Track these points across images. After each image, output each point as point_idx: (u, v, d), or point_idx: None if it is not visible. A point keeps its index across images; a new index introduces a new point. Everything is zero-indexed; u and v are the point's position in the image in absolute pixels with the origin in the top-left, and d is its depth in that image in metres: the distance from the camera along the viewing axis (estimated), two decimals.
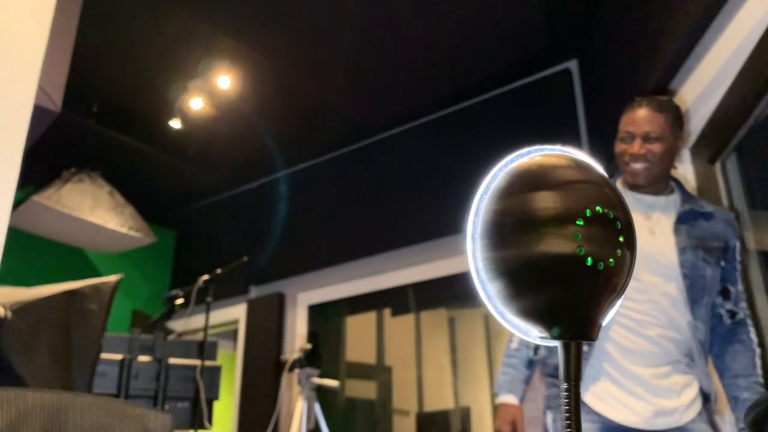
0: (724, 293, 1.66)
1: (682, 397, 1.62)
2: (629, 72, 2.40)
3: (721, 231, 1.68)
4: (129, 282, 4.45)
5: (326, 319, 4.19)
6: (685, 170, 2.22)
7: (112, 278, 1.39)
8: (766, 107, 1.66)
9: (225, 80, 3.29)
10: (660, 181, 1.72)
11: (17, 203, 3.52)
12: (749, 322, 1.65)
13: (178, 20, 2.93)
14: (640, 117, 1.71)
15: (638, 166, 1.69)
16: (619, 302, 0.42)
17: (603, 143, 2.78)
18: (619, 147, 1.75)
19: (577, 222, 0.39)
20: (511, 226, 0.40)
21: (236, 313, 4.36)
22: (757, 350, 1.61)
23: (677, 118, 1.73)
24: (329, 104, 3.62)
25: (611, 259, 0.39)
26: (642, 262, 1.67)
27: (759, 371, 1.59)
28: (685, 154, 2.24)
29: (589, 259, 0.39)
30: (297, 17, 2.91)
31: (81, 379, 1.26)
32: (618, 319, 1.67)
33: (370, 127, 3.85)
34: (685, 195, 1.74)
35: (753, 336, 1.63)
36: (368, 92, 3.52)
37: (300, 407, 2.79)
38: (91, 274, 2.24)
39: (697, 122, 2.06)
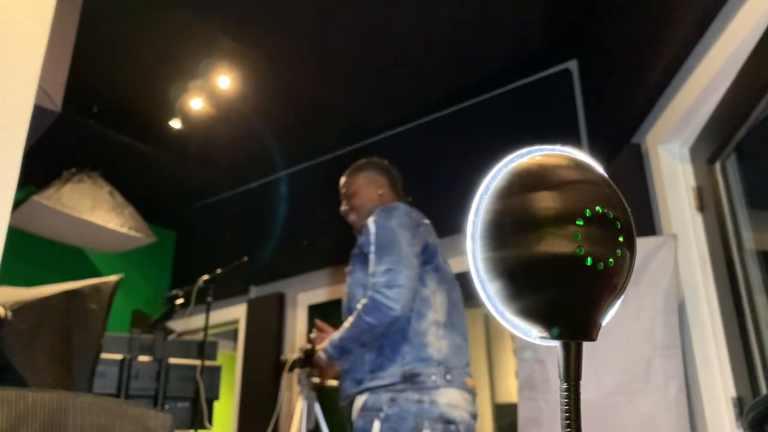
0: None
1: None
2: (629, 72, 2.40)
3: (362, 238, 1.94)
4: (129, 282, 4.45)
5: (326, 319, 4.19)
6: (685, 170, 2.22)
7: (112, 278, 1.39)
8: (766, 107, 1.66)
9: (225, 80, 3.29)
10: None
11: (17, 203, 3.52)
12: (370, 295, 1.78)
13: (178, 20, 2.93)
14: (340, 185, 2.15)
15: (350, 218, 2.12)
16: (619, 302, 0.42)
17: (603, 143, 2.79)
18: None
19: (577, 222, 0.39)
20: (511, 226, 0.40)
21: (236, 313, 4.36)
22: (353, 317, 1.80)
23: (362, 169, 2.15)
24: (329, 104, 3.62)
25: (611, 259, 0.39)
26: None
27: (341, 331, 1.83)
28: (685, 154, 2.24)
29: (589, 259, 0.39)
30: (297, 18, 2.91)
31: (81, 379, 1.26)
32: None
33: (370, 127, 3.85)
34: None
35: (359, 306, 1.80)
36: (368, 92, 3.52)
37: (300, 407, 2.78)
38: (91, 274, 2.24)
39: (697, 122, 2.06)
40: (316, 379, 2.15)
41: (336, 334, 1.85)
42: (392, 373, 1.75)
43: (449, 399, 1.74)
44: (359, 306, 1.78)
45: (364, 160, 2.20)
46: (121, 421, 0.84)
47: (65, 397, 0.79)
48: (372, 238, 1.87)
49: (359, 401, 1.78)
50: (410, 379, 1.72)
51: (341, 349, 1.82)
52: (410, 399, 1.70)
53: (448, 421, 1.71)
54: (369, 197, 2.11)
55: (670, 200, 2.19)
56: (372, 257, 1.84)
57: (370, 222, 1.91)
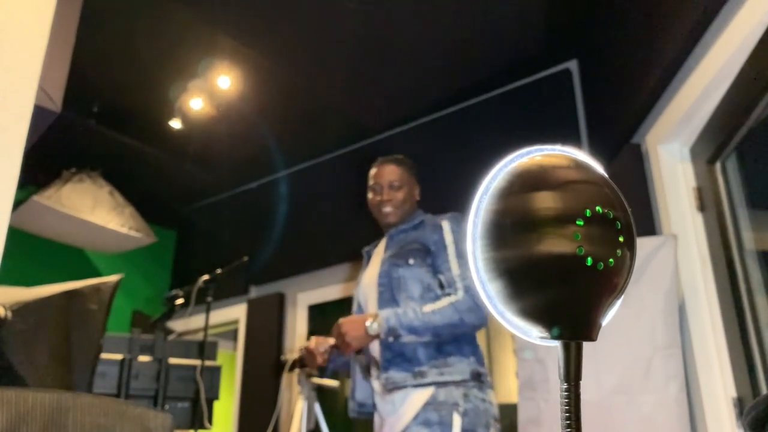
0: (440, 283, 1.92)
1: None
2: (629, 72, 2.40)
3: (422, 234, 1.99)
4: (129, 282, 4.45)
5: (326, 319, 4.19)
6: (685, 170, 2.22)
7: (112, 278, 1.39)
8: (766, 107, 1.66)
9: (225, 80, 3.29)
10: (407, 218, 2.09)
11: (17, 203, 3.52)
12: (455, 292, 1.83)
13: (178, 20, 2.93)
14: (383, 171, 2.11)
15: (388, 209, 2.06)
16: (619, 302, 0.42)
17: (603, 143, 2.79)
18: (369, 196, 2.13)
19: (577, 222, 0.39)
20: (511, 226, 0.40)
21: (236, 313, 4.36)
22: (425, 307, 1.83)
23: (412, 168, 2.13)
24: (329, 104, 3.62)
25: (611, 259, 0.39)
26: (367, 295, 2.06)
27: (413, 308, 1.83)
28: (686, 154, 2.24)
29: (589, 259, 0.39)
30: (297, 17, 2.91)
31: (81, 379, 1.26)
32: None
33: (370, 127, 3.85)
34: (415, 218, 2.07)
35: (442, 301, 1.84)
36: (368, 92, 3.51)
37: (300, 407, 2.78)
38: (91, 274, 2.24)
39: (697, 122, 2.06)
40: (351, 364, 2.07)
41: (406, 313, 1.82)
42: (462, 370, 1.82)
43: (495, 400, 1.87)
44: (453, 300, 1.83)
45: (405, 158, 2.17)
46: (121, 421, 0.84)
47: (65, 397, 0.79)
48: (449, 238, 1.94)
49: (423, 394, 1.79)
50: (477, 378, 1.82)
51: (413, 329, 1.80)
52: (478, 397, 1.79)
53: (499, 421, 1.84)
54: (412, 198, 2.12)
55: (670, 200, 2.19)
56: (454, 259, 1.90)
57: (444, 223, 1.99)
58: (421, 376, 1.82)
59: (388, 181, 2.08)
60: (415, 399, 1.80)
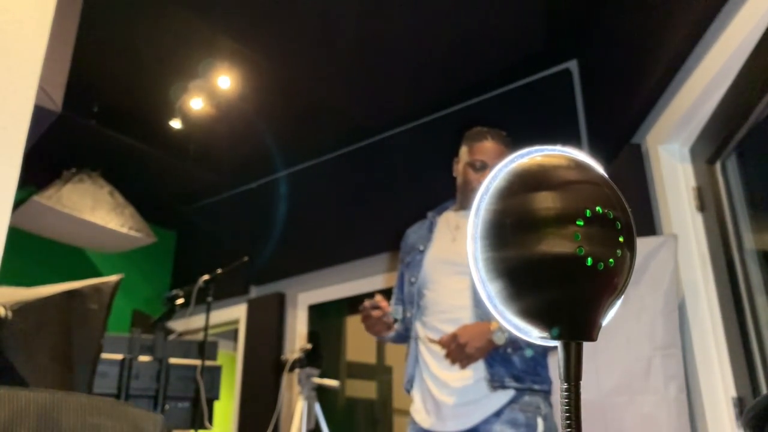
0: None
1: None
2: (629, 72, 2.40)
3: None
4: (129, 282, 4.44)
5: (326, 319, 4.19)
6: (685, 170, 2.22)
7: (113, 278, 1.39)
8: (766, 107, 1.66)
9: (225, 80, 3.29)
10: None
11: (18, 203, 3.52)
12: None
13: (179, 21, 2.93)
14: (492, 149, 1.88)
15: (474, 189, 1.80)
16: (619, 302, 0.42)
17: (603, 143, 2.78)
18: (470, 174, 1.89)
19: (577, 222, 0.39)
20: (512, 226, 0.40)
21: (236, 313, 4.36)
22: None
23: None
24: (329, 104, 3.62)
25: (611, 260, 0.39)
26: (444, 269, 1.86)
27: None
28: (686, 154, 2.24)
29: (590, 259, 0.39)
30: (297, 18, 2.91)
31: (81, 379, 1.26)
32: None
33: (370, 127, 3.85)
34: None
35: None
36: (368, 92, 3.51)
37: (300, 407, 2.79)
38: (91, 274, 2.24)
39: (697, 122, 2.06)
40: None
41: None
42: (549, 380, 1.78)
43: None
44: None
45: (504, 133, 1.96)
46: (113, 421, 0.84)
47: (59, 397, 0.80)
48: None
49: (507, 391, 1.72)
50: (551, 390, 1.78)
51: (530, 342, 1.72)
52: (551, 404, 1.75)
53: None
54: None
55: (670, 200, 2.19)
56: None
57: None
58: (518, 380, 1.72)
59: (493, 164, 1.93)
60: (500, 393, 1.71)
